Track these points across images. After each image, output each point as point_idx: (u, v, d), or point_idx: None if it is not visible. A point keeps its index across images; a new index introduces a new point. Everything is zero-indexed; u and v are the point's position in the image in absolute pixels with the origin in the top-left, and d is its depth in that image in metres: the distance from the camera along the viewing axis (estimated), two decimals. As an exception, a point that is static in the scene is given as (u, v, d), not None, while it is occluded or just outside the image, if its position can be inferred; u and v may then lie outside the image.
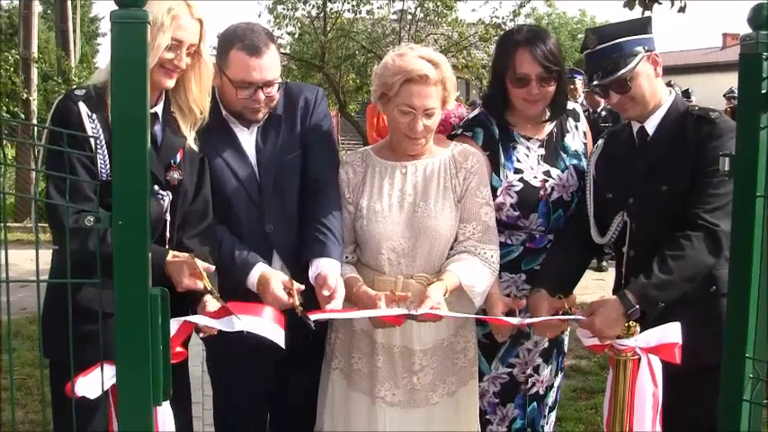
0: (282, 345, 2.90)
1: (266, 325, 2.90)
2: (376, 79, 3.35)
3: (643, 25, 3.34)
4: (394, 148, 3.46)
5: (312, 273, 3.25)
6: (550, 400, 3.83)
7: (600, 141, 3.64)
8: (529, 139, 3.65)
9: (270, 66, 3.32)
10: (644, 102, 3.30)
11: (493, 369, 3.68)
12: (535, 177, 3.59)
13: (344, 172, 3.47)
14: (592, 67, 3.35)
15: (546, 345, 3.71)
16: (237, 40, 3.29)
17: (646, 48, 3.26)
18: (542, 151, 3.65)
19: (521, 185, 3.55)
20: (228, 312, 2.84)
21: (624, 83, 3.24)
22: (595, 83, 3.33)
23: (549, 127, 3.70)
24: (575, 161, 3.69)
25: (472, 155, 3.47)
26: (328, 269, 3.21)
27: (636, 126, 3.40)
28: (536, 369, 3.72)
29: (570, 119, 3.77)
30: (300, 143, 3.49)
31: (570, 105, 3.78)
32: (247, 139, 3.47)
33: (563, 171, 3.64)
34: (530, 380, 3.72)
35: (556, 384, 3.86)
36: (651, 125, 3.34)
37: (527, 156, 3.63)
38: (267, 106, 3.40)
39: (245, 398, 3.61)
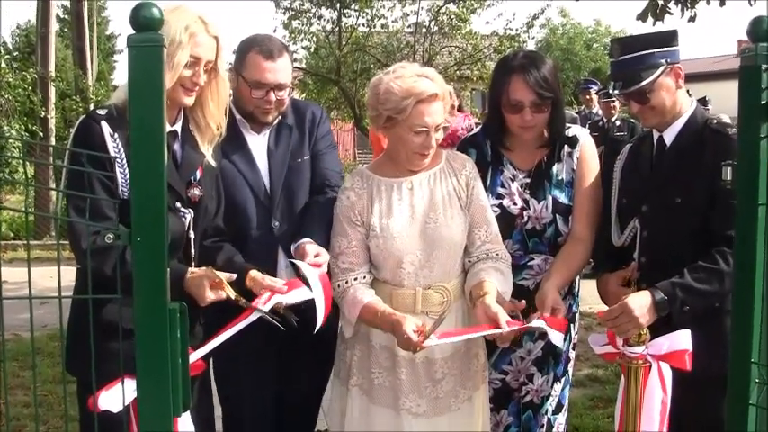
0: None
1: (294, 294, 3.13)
2: (380, 105, 3.33)
3: (669, 38, 3.35)
4: (396, 165, 3.48)
5: (293, 248, 3.41)
6: (549, 408, 3.80)
7: (627, 147, 3.69)
8: (517, 168, 3.67)
9: (282, 70, 3.53)
10: (663, 112, 3.33)
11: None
12: (515, 205, 3.62)
13: (346, 197, 3.44)
14: (613, 77, 3.40)
15: (540, 353, 3.71)
16: (256, 45, 3.53)
17: (668, 60, 3.29)
18: (527, 180, 3.66)
19: (498, 211, 3.58)
20: (252, 311, 3.00)
21: (644, 94, 3.28)
22: (616, 92, 3.39)
23: (539, 155, 3.68)
24: (556, 191, 3.64)
25: (466, 161, 3.55)
26: (306, 240, 3.37)
27: (656, 135, 3.44)
28: (530, 377, 3.72)
29: (566, 146, 3.69)
30: (309, 150, 3.70)
31: (572, 132, 3.71)
32: (257, 143, 3.64)
33: (540, 202, 3.62)
34: (523, 388, 3.73)
35: (555, 392, 3.81)
36: (669, 135, 3.37)
37: (512, 182, 3.65)
38: (277, 109, 3.59)
39: (251, 401, 3.68)
